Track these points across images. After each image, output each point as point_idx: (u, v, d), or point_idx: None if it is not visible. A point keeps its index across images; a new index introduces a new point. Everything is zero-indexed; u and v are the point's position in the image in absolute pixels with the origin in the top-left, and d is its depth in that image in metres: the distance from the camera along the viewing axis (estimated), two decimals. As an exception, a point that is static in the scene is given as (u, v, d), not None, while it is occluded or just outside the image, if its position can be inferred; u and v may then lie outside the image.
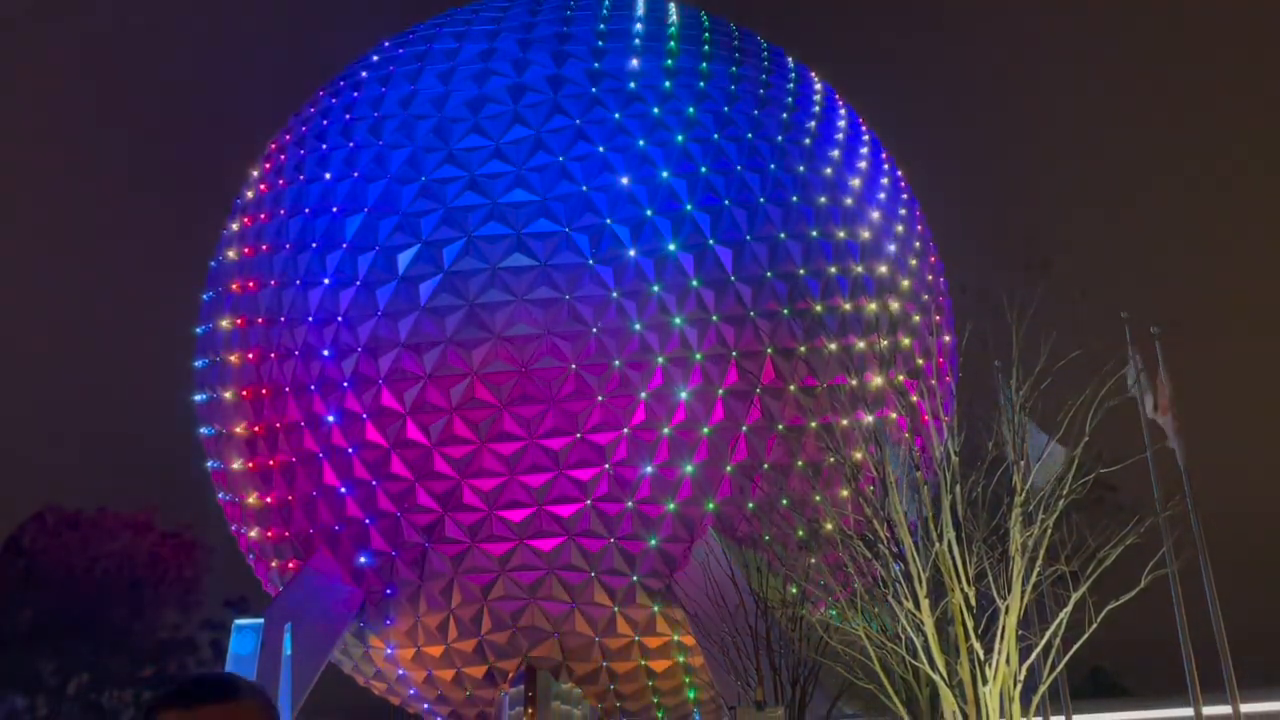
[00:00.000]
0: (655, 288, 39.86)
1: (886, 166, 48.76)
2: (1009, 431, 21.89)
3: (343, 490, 41.09)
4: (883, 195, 46.32)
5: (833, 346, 40.73)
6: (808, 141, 44.88)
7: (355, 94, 46.09)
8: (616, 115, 42.37)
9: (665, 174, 41.33)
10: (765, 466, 40.05)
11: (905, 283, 44.85)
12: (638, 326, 39.55)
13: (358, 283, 40.98)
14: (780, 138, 44.03)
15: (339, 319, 40.87)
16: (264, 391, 42.56)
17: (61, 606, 37.35)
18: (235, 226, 47.51)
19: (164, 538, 40.24)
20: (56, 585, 37.77)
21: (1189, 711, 26.25)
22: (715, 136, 42.60)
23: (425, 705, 46.52)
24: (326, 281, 41.51)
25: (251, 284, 44.22)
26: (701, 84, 44.28)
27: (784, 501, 38.04)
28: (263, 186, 46.86)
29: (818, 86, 49.49)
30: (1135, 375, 27.17)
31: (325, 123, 45.83)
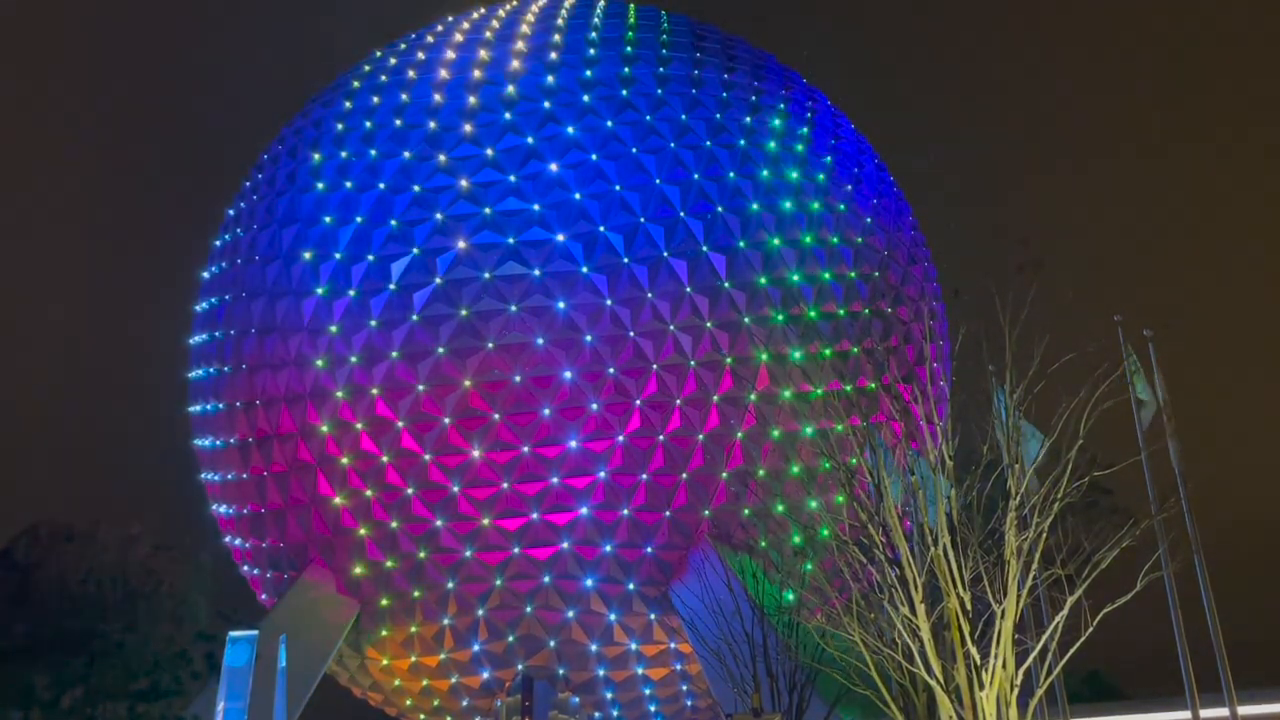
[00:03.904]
0: (649, 295, 39.86)
1: (879, 172, 48.84)
2: (1003, 435, 21.87)
3: (337, 500, 40.97)
4: (876, 200, 46.41)
5: (828, 351, 40.77)
6: (800, 148, 44.96)
7: (347, 103, 46.09)
8: (609, 123, 42.42)
9: (658, 181, 41.36)
10: (761, 473, 40.01)
11: (899, 287, 44.90)
12: (632, 334, 39.55)
13: (351, 292, 40.93)
14: (773, 144, 44.09)
15: (332, 329, 40.80)
16: (257, 402, 42.45)
17: (55, 620, 37.19)
18: (228, 236, 47.46)
19: (157, 550, 40.09)
20: (50, 599, 37.62)
21: (1186, 714, 26.19)
22: (708, 143, 42.65)
23: (422, 715, 46.32)
24: (320, 291, 41.47)
25: (244, 294, 44.12)
26: (694, 91, 44.36)
27: (779, 508, 38.01)
28: (255, 196, 46.80)
29: (810, 92, 49.59)
30: (1144, 380, 27.10)
31: (317, 132, 45.81)
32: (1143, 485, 26.23)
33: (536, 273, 39.87)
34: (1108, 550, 20.90)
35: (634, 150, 41.85)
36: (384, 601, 41.45)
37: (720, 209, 41.43)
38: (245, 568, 46.90)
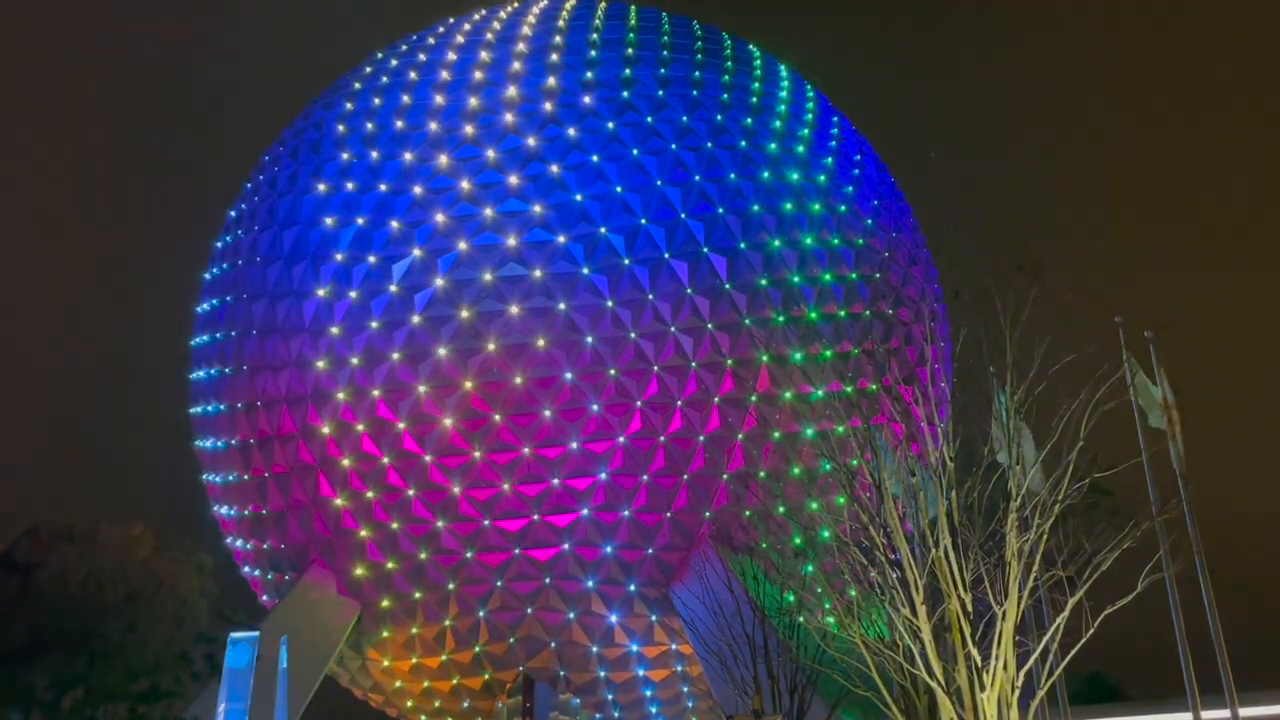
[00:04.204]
0: (650, 296, 39.88)
1: (879, 173, 48.85)
2: (1004, 436, 21.88)
3: (338, 502, 40.98)
4: (876, 201, 46.42)
5: (828, 353, 40.77)
6: (801, 149, 44.98)
7: (349, 104, 46.13)
8: (610, 124, 42.45)
9: (659, 182, 41.39)
10: (762, 474, 40.00)
11: (900, 288, 44.90)
12: (633, 335, 39.56)
13: (352, 294, 40.95)
14: (774, 145, 44.11)
15: (333, 330, 40.82)
16: (259, 403, 42.45)
17: (56, 621, 37.19)
18: (229, 238, 47.49)
19: (158, 551, 40.09)
20: (51, 600, 37.62)
21: (1188, 716, 26.18)
22: (709, 145, 42.67)
23: (423, 717, 46.31)
24: (321, 293, 41.48)
25: (246, 296, 44.14)
26: (695, 92, 44.38)
27: (780, 509, 38.00)
28: (256, 198, 46.83)
29: (810, 94, 49.62)
30: (1130, 380, 27.14)
31: (319, 135, 45.83)
32: (1144, 486, 26.24)
33: (538, 274, 39.89)
34: (1109, 552, 20.90)
35: (635, 152, 41.87)
36: (385, 603, 41.46)
37: (721, 210, 41.44)
38: (246, 569, 46.90)
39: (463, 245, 40.40)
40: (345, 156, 43.83)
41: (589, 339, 39.39)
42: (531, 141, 42.02)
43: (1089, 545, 21.16)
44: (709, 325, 39.99)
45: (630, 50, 45.75)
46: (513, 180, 41.31)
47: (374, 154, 43.24)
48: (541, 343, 39.31)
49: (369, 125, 44.38)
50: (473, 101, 43.57)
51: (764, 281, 40.98)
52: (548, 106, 42.94)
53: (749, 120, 44.42)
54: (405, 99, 44.73)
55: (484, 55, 45.79)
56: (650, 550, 40.15)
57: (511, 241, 40.30)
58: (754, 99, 45.63)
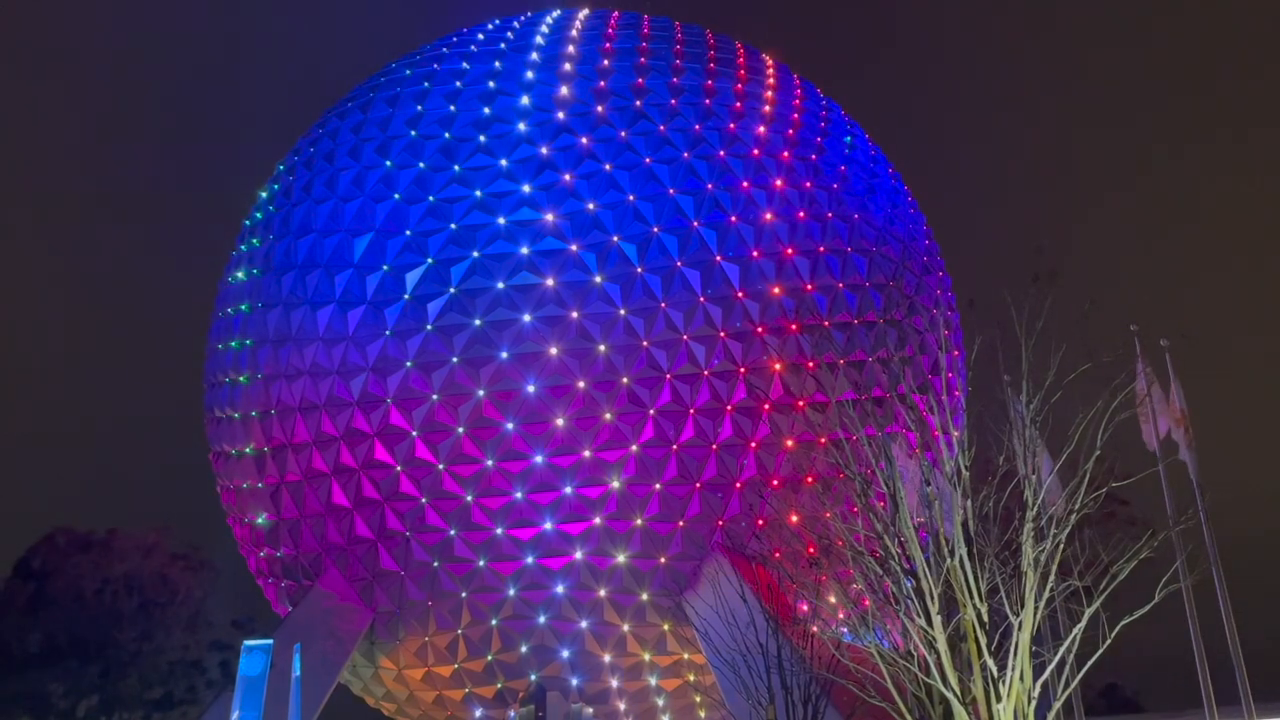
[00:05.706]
0: (662, 304, 39.91)
1: (893, 181, 48.82)
2: (1019, 445, 21.79)
3: (352, 509, 41.06)
4: (891, 209, 46.37)
5: (841, 362, 40.67)
6: (813, 157, 44.97)
7: (362, 115, 46.35)
8: (622, 133, 42.54)
9: (671, 190, 41.45)
10: (774, 483, 39.91)
11: (914, 296, 44.81)
12: (645, 343, 39.58)
13: (366, 302, 41.11)
14: (786, 154, 44.13)
15: (347, 339, 40.95)
16: (273, 411, 42.62)
17: (71, 628, 37.38)
18: (244, 247, 47.75)
19: (173, 559, 40.31)
20: (66, 607, 37.81)
21: (1205, 727, 25.98)
22: (721, 153, 42.71)
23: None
24: (335, 302, 41.64)
25: (261, 305, 44.35)
26: (707, 101, 44.44)
27: (793, 518, 37.89)
28: (271, 207, 47.10)
29: (823, 102, 49.65)
30: (1145, 389, 27.04)
31: (333, 144, 46.07)
32: (1161, 496, 26.10)
33: (550, 282, 39.96)
34: (1125, 562, 20.79)
35: (647, 160, 41.95)
36: (398, 611, 41.47)
37: (733, 218, 41.47)
38: (260, 577, 47.03)
39: (475, 254, 40.51)
40: (359, 166, 44.03)
41: (601, 347, 39.42)
42: (544, 150, 42.13)
43: (1105, 555, 21.07)
44: (721, 333, 39.98)
45: (643, 59, 45.85)
46: (525, 189, 41.43)
47: (387, 163, 43.44)
48: (554, 351, 39.37)
49: (382, 135, 44.57)
50: (485, 110, 43.74)
51: (776, 290, 40.93)
52: (560, 115, 43.05)
53: (761, 129, 44.46)
54: (418, 108, 44.95)
55: (497, 65, 45.97)
56: (663, 559, 40.10)
57: (524, 250, 40.39)
58: (767, 107, 45.69)
